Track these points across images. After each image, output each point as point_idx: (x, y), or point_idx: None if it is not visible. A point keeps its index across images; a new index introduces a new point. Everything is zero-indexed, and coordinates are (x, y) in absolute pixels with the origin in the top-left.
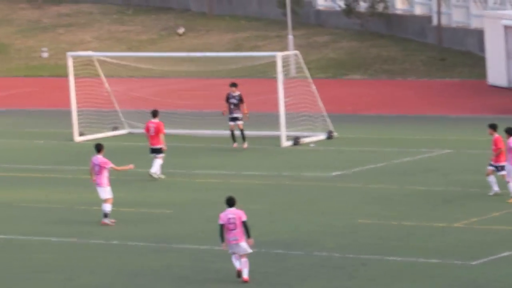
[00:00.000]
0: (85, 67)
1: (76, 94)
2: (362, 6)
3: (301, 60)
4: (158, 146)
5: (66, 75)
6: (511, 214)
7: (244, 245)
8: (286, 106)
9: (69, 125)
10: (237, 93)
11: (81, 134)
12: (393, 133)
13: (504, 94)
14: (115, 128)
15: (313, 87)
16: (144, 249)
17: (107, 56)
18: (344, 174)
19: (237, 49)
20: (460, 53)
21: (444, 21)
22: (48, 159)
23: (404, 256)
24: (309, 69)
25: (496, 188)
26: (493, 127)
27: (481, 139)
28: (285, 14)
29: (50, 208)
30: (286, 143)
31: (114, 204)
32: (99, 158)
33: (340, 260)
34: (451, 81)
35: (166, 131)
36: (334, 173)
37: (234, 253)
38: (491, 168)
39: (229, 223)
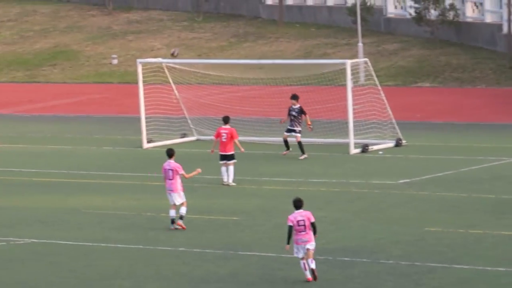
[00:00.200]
0: (154, 74)
1: (145, 101)
2: (433, 14)
3: (371, 68)
4: (230, 153)
5: (135, 82)
6: None
7: (313, 245)
8: (355, 113)
9: (138, 131)
10: (297, 105)
11: (149, 141)
12: (461, 141)
13: None
14: (183, 135)
15: (382, 95)
16: (211, 255)
17: (176, 63)
18: (412, 181)
19: (306, 56)
20: None
21: None
22: (116, 165)
23: (471, 264)
24: (378, 76)
25: None
26: None
27: None
28: (355, 22)
29: (117, 214)
30: (354, 151)
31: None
32: (172, 163)
33: (407, 268)
34: None
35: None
36: (401, 181)
37: (302, 258)
38: None
39: (299, 225)
